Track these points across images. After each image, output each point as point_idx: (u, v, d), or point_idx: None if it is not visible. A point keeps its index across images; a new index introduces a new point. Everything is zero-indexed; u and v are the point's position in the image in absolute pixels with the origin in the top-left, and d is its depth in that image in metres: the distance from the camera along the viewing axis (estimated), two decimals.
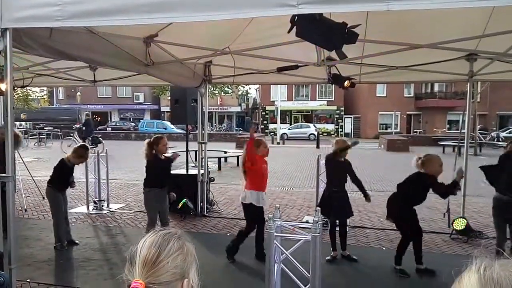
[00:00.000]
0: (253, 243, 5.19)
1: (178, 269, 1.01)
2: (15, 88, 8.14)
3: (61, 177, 5.56)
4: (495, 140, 28.52)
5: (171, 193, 5.61)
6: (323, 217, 5.97)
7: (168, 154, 5.66)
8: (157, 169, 5.31)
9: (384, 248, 5.72)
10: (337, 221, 5.32)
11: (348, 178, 5.31)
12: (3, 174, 2.78)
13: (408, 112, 41.15)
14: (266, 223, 3.14)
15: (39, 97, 43.97)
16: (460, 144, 7.44)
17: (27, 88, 14.80)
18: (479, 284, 0.76)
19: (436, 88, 40.49)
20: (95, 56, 4.10)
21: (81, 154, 5.61)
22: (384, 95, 40.35)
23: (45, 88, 41.82)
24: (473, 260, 0.81)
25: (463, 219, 6.11)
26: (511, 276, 0.74)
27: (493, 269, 0.77)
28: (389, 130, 39.87)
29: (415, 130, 40.19)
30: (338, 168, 5.25)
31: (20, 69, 6.36)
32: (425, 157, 4.74)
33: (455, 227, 6.10)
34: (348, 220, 5.65)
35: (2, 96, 3.86)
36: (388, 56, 5.12)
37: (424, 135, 34.82)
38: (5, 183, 2.79)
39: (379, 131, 39.39)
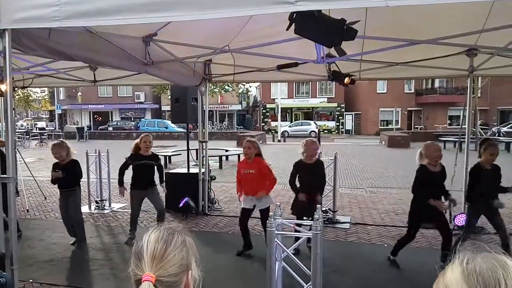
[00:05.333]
0: (255, 242, 5.26)
1: (184, 261, 1.06)
2: (16, 89, 8.14)
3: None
4: (496, 135, 28.46)
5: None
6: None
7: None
8: (134, 167, 5.74)
9: (385, 245, 5.72)
10: None
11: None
12: (4, 175, 2.79)
13: (409, 108, 41.10)
14: (267, 221, 3.14)
15: (40, 98, 44.12)
16: (461, 140, 7.43)
17: (28, 89, 14.80)
18: (462, 276, 0.78)
19: (436, 84, 40.42)
20: (94, 56, 4.09)
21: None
22: (385, 91, 40.30)
23: (46, 89, 42.01)
24: (456, 254, 0.83)
25: (464, 215, 6.10)
26: (493, 268, 0.76)
27: (475, 262, 0.79)
28: (390, 127, 39.82)
29: (416, 126, 40.15)
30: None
31: (20, 70, 6.36)
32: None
33: (456, 223, 6.09)
34: (349, 217, 5.65)
35: (2, 97, 3.87)
36: (388, 52, 5.11)
37: (425, 131, 34.79)
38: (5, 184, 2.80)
39: (380, 127, 39.37)
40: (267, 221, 3.14)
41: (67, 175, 5.43)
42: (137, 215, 5.88)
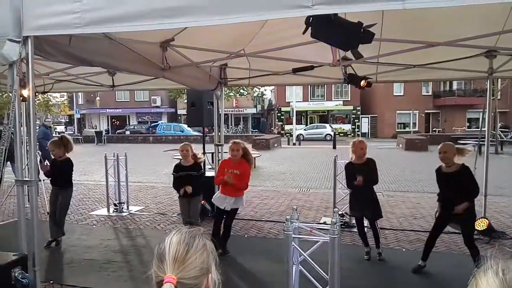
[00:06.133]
0: (270, 246, 5.23)
1: (204, 264, 1.08)
2: (37, 94, 8.33)
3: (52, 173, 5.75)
4: None
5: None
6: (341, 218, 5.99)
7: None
8: (178, 177, 5.74)
9: (403, 250, 5.65)
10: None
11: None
12: (27, 179, 2.86)
13: (426, 111, 40.51)
14: (284, 224, 3.14)
15: (59, 103, 45.05)
16: (481, 143, 7.29)
17: (48, 94, 15.14)
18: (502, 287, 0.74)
19: (454, 86, 39.75)
20: (113, 61, 4.17)
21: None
22: (402, 93, 39.84)
23: (65, 94, 42.83)
24: (486, 262, 0.79)
25: (485, 219, 5.99)
26: None
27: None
28: (407, 129, 39.31)
29: (433, 129, 39.53)
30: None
31: (41, 76, 6.51)
32: None
33: (476, 228, 5.98)
34: (366, 221, 5.56)
35: (24, 102, 3.97)
36: (405, 54, 5.06)
37: (443, 134, 34.22)
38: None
39: (397, 130, 38.90)
40: (284, 227, 3.14)
41: (60, 172, 5.63)
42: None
